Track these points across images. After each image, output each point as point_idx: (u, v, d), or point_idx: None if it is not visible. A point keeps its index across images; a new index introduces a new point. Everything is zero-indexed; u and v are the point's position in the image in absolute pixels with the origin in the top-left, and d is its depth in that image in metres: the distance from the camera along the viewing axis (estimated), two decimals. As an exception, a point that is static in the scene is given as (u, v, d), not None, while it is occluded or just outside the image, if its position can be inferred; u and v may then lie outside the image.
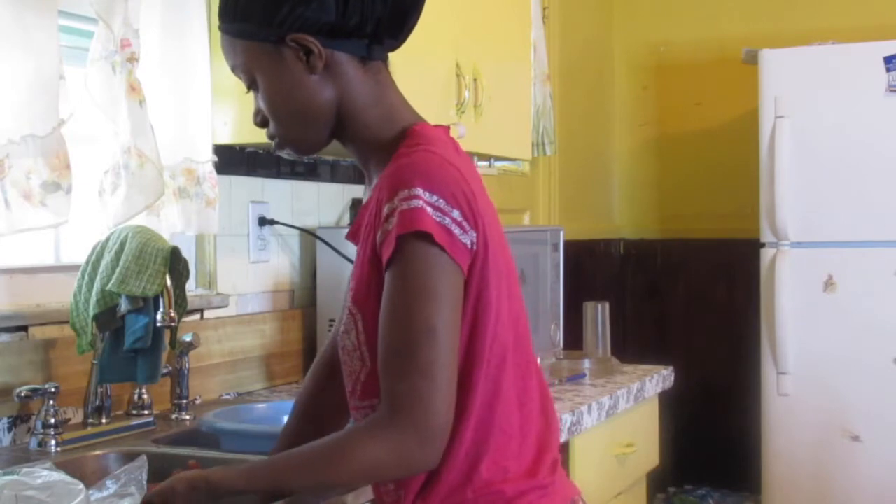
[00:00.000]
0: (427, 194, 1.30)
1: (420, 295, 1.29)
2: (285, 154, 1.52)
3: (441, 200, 1.30)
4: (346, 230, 1.48)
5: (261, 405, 2.24)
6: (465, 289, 1.34)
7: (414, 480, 1.37)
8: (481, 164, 2.75)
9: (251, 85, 1.45)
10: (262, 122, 1.48)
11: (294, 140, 1.47)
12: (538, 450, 1.42)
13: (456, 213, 1.31)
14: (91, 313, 2.01)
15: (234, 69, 1.46)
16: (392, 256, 1.30)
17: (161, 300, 2.01)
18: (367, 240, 1.37)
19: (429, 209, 1.29)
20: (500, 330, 1.38)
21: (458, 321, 1.32)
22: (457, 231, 1.31)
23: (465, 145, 2.66)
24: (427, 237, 1.29)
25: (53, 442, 1.92)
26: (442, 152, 1.37)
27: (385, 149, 1.42)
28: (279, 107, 1.44)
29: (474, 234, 1.33)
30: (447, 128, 1.50)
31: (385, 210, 1.32)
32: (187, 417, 2.23)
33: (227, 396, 2.50)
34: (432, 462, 1.31)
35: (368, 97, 1.44)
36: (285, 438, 1.68)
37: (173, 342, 2.17)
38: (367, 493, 1.58)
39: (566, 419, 2.32)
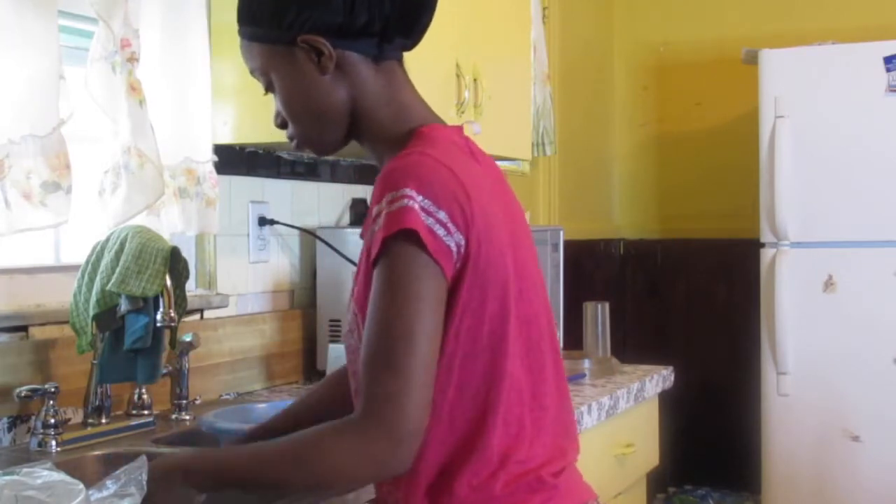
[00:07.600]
0: (415, 194, 1.29)
1: (399, 298, 1.28)
2: (305, 154, 1.52)
3: (427, 201, 1.29)
4: (347, 230, 1.49)
5: (261, 405, 2.23)
6: (454, 290, 1.33)
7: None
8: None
9: (269, 87, 1.47)
10: (282, 123, 1.50)
11: (312, 140, 1.49)
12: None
13: (442, 215, 1.30)
14: (91, 313, 2.01)
15: (252, 72, 1.48)
16: (377, 258, 1.30)
17: (161, 300, 2.01)
18: (365, 241, 1.38)
19: (416, 208, 1.28)
20: (487, 331, 1.35)
21: (437, 323, 1.30)
22: (441, 232, 1.30)
23: (465, 145, 2.67)
24: (412, 236, 1.28)
25: (53, 442, 1.92)
26: (438, 154, 1.36)
27: (395, 148, 1.41)
28: (295, 107, 1.45)
29: (461, 237, 1.32)
30: (460, 128, 1.49)
31: (374, 212, 1.32)
32: (187, 417, 2.23)
33: (227, 396, 2.50)
34: (402, 466, 1.29)
35: (380, 96, 1.44)
36: (284, 417, 1.69)
37: (173, 342, 2.17)
38: (368, 492, 1.58)
39: (566, 419, 2.31)
